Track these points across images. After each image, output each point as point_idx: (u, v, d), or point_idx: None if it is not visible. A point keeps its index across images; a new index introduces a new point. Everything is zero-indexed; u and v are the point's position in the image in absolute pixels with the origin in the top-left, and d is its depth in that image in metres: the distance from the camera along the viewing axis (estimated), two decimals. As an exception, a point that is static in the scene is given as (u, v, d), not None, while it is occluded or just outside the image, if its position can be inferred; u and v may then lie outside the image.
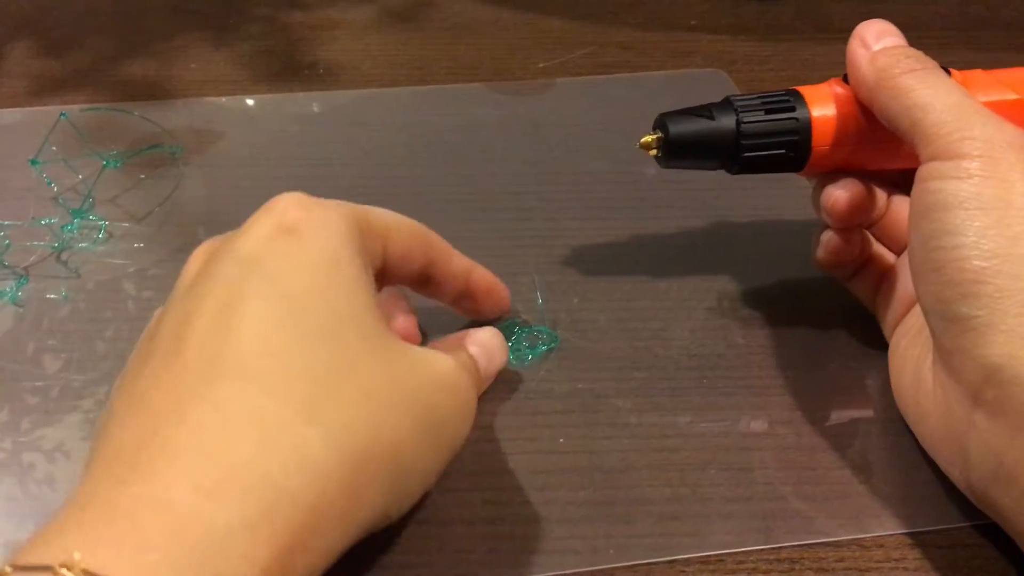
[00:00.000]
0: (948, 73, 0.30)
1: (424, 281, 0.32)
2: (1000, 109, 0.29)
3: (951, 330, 0.27)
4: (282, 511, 0.22)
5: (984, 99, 0.30)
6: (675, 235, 0.41)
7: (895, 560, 0.29)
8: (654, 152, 0.33)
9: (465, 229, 0.40)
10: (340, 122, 0.48)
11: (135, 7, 0.58)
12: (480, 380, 0.31)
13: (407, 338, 0.31)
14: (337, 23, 0.57)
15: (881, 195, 0.34)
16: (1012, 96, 0.31)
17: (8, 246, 0.39)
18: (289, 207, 0.27)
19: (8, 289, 0.37)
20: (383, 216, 0.30)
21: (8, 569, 0.20)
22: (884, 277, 0.34)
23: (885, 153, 0.33)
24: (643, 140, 0.33)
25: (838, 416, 0.33)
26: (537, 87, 0.51)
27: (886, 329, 0.34)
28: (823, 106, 0.32)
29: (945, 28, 0.56)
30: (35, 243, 0.39)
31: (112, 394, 0.26)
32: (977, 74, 0.32)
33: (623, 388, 0.34)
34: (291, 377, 0.24)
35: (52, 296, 0.37)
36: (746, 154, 0.32)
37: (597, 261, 0.39)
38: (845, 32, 0.32)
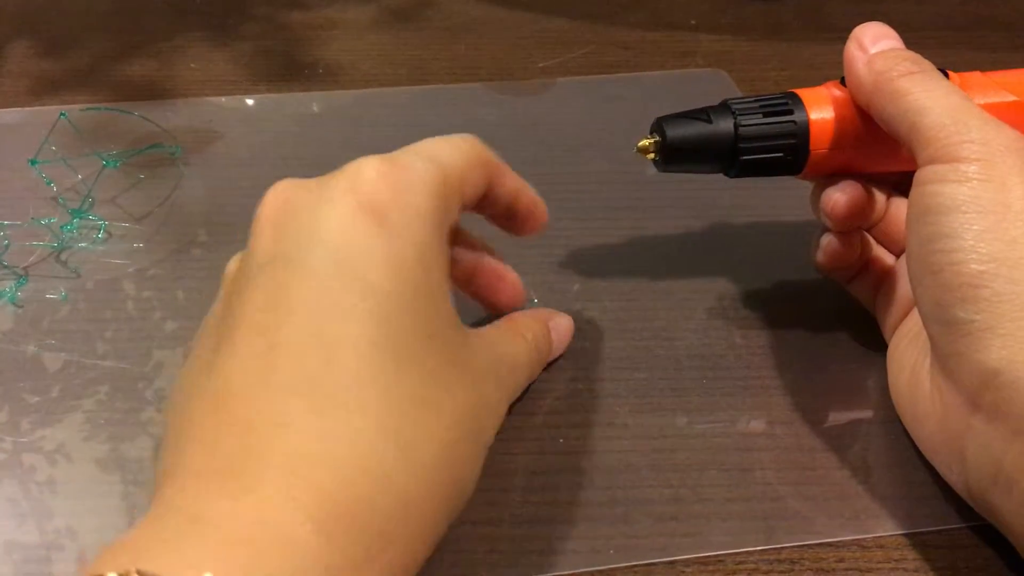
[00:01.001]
0: (946, 75, 0.30)
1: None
2: (998, 111, 0.29)
3: (948, 334, 0.26)
4: (386, 553, 0.22)
5: (982, 101, 0.30)
6: (675, 235, 0.41)
7: (895, 560, 0.29)
8: (651, 156, 0.33)
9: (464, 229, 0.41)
10: (340, 122, 0.48)
11: (135, 7, 0.58)
12: (544, 359, 0.33)
13: (510, 296, 0.33)
14: (337, 23, 0.57)
15: (880, 197, 0.34)
16: (1010, 98, 0.31)
17: (8, 246, 0.39)
18: (375, 184, 0.25)
19: (8, 289, 0.37)
20: (459, 168, 0.28)
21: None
22: (883, 279, 0.34)
23: (883, 156, 0.32)
24: (640, 144, 0.33)
25: (838, 417, 0.33)
26: (537, 87, 0.51)
27: (885, 331, 0.34)
28: (821, 109, 0.32)
29: (945, 28, 0.56)
30: (35, 243, 0.39)
31: (188, 372, 0.25)
32: (975, 76, 0.32)
33: (623, 388, 0.34)
34: (390, 408, 0.23)
35: (52, 296, 0.37)
36: (744, 157, 0.32)
37: (597, 261, 0.39)
38: (846, 32, 0.32)
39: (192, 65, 0.52)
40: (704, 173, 0.34)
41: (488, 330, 0.30)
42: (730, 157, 0.33)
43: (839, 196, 0.32)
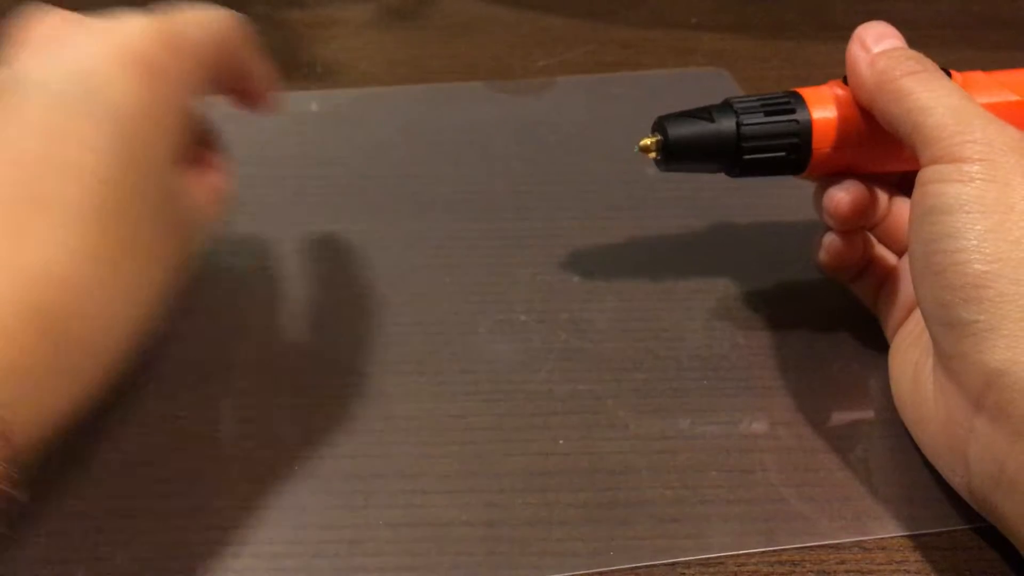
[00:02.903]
0: (948, 75, 0.30)
1: None
2: (1000, 111, 0.29)
3: (951, 335, 0.26)
4: (79, 356, 0.25)
5: (984, 101, 0.30)
6: (675, 235, 0.41)
7: (897, 563, 0.29)
8: (653, 155, 0.33)
9: (465, 229, 0.40)
10: (339, 121, 0.48)
11: (134, 6, 0.58)
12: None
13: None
14: (335, 21, 0.57)
15: (883, 197, 0.33)
16: (1013, 98, 0.31)
17: (6, 246, 0.39)
18: (150, 40, 0.28)
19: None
20: (219, 42, 0.31)
21: None
22: (886, 279, 0.34)
23: (886, 155, 0.32)
24: (642, 143, 0.33)
25: (840, 418, 0.33)
26: (537, 86, 0.51)
27: (888, 331, 0.34)
28: (823, 108, 0.32)
29: (946, 27, 0.56)
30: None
31: None
32: (977, 75, 0.32)
33: (623, 389, 0.34)
34: (109, 239, 0.26)
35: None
36: (746, 156, 0.32)
37: (597, 261, 0.39)
38: (847, 30, 0.32)
39: (191, 64, 0.52)
40: (706, 172, 0.34)
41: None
42: (732, 156, 0.32)
43: (842, 195, 0.32)
